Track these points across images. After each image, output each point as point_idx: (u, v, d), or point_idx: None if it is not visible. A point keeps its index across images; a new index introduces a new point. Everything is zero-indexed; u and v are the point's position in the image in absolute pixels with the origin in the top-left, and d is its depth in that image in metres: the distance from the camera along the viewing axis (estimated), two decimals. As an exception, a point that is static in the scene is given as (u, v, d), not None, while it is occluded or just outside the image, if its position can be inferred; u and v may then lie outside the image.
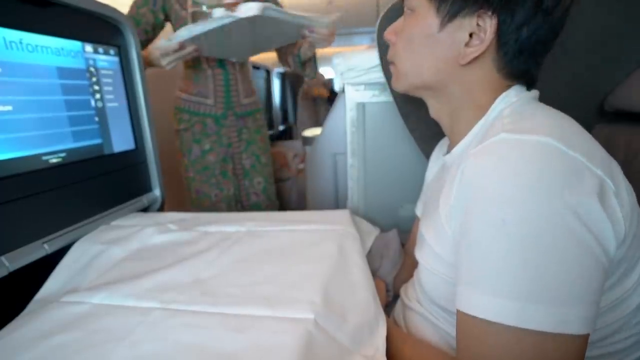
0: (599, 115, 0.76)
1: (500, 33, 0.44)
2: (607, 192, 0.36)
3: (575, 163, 0.35)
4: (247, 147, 1.36)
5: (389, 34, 0.55)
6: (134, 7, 1.14)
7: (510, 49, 0.45)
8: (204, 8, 1.13)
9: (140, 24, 1.14)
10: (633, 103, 0.68)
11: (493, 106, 0.47)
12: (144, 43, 1.15)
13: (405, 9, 0.52)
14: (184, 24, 1.13)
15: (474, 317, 0.37)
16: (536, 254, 0.34)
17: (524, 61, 0.46)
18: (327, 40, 1.11)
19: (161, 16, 1.17)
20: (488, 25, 0.43)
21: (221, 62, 1.23)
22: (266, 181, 1.42)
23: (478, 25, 0.44)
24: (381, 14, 0.79)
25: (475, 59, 0.46)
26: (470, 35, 0.45)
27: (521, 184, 0.35)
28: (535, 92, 0.49)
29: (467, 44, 0.45)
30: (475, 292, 0.37)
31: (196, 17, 1.12)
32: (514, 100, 0.46)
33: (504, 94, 0.47)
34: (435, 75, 0.49)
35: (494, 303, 0.35)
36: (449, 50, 0.47)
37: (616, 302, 0.41)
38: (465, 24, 0.45)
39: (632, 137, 0.68)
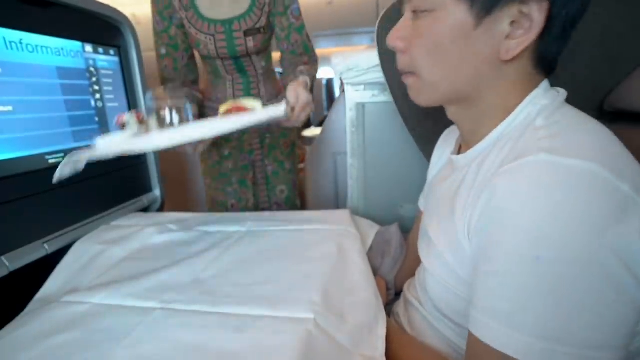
0: (598, 115, 0.76)
1: (549, 16, 0.38)
2: None
3: (622, 196, 0.32)
4: (270, 152, 1.23)
5: (396, 41, 0.46)
6: (161, 36, 1.01)
7: (554, 33, 0.39)
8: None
9: (178, 48, 1.02)
10: (633, 103, 0.68)
11: (520, 108, 0.43)
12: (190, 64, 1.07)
13: (415, 11, 0.44)
14: (196, 44, 1.03)
15: (490, 348, 0.35)
16: (569, 295, 0.32)
17: (562, 43, 0.41)
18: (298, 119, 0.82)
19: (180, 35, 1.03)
20: (536, 9, 0.37)
21: (241, 69, 1.12)
22: (290, 190, 1.29)
23: (520, 12, 0.38)
24: (381, 14, 0.79)
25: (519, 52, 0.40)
26: (510, 24, 0.39)
27: (561, 219, 0.32)
28: (563, 93, 0.44)
29: (508, 36, 0.39)
30: (496, 323, 0.35)
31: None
32: (544, 102, 0.42)
33: (532, 94, 0.43)
34: (474, 78, 0.43)
35: (517, 339, 0.33)
36: (487, 46, 0.40)
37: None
38: (505, 13, 0.39)
39: (632, 137, 0.68)
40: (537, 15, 0.38)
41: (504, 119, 0.44)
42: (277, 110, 0.71)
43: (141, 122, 0.65)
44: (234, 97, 1.15)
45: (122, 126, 0.63)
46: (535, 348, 0.33)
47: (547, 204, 0.32)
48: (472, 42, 0.41)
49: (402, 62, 0.48)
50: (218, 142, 1.18)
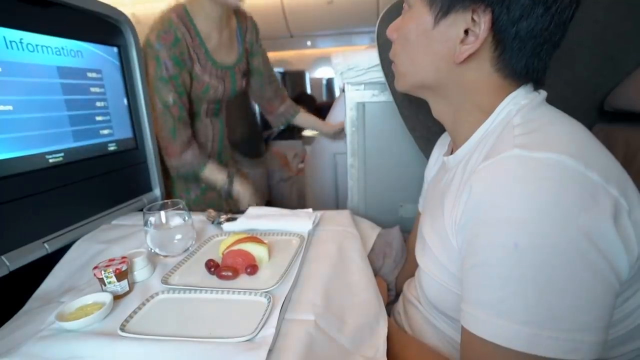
0: (598, 115, 0.76)
1: (496, 29, 0.41)
2: (621, 213, 0.34)
3: (591, 184, 0.34)
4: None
5: (390, 31, 0.52)
6: (170, 82, 1.00)
7: (508, 46, 0.42)
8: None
9: (184, 94, 1.04)
10: (632, 103, 0.69)
11: (499, 109, 0.45)
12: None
13: (404, 5, 0.50)
14: (205, 89, 1.07)
15: (482, 339, 0.36)
16: (549, 280, 0.33)
17: (525, 59, 0.43)
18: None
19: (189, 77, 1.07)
20: (482, 20, 0.41)
21: (219, 111, 1.20)
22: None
23: (473, 20, 0.42)
24: (381, 14, 0.79)
25: (471, 57, 0.43)
26: (466, 32, 0.42)
27: (536, 207, 0.33)
28: (543, 94, 0.46)
29: (462, 41, 0.43)
30: (484, 314, 0.36)
31: None
32: (523, 102, 0.44)
33: (511, 95, 0.45)
34: (433, 73, 0.47)
35: (505, 327, 0.34)
36: (444, 47, 0.44)
37: (620, 318, 0.41)
38: (460, 19, 0.42)
39: (632, 136, 0.68)
40: (483, 25, 0.41)
41: (484, 119, 0.46)
42: (304, 226, 0.76)
43: (121, 275, 0.55)
44: (213, 140, 1.21)
45: (101, 281, 0.55)
46: (521, 335, 0.34)
47: (522, 195, 0.34)
48: (431, 40, 0.46)
49: (391, 51, 0.54)
50: (196, 179, 1.16)
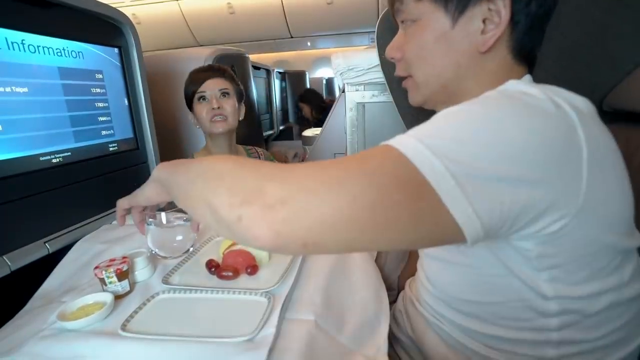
0: (597, 115, 0.76)
1: (513, 11, 0.44)
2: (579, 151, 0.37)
3: (572, 132, 0.37)
4: None
5: (391, 52, 0.54)
6: None
7: (522, 27, 0.45)
8: None
9: None
10: (632, 103, 0.69)
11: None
12: None
13: (403, 24, 0.52)
14: None
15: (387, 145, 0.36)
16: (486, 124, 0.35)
17: (533, 37, 0.47)
18: None
19: None
20: (501, 6, 0.44)
21: None
22: None
23: (489, 9, 0.44)
24: (381, 14, 0.79)
25: (493, 43, 0.46)
26: (483, 21, 0.45)
27: (501, 110, 0.36)
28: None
29: (482, 31, 0.45)
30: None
31: None
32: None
33: (511, 81, 0.46)
34: (456, 71, 0.49)
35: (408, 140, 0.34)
36: (465, 42, 0.47)
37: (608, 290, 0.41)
38: (477, 12, 0.45)
39: (631, 136, 0.68)
40: (503, 10, 0.44)
41: None
42: None
43: (122, 275, 0.56)
44: None
45: (102, 281, 0.55)
46: (418, 147, 0.33)
47: (487, 102, 0.37)
48: (452, 40, 0.47)
49: (399, 69, 0.55)
50: None
